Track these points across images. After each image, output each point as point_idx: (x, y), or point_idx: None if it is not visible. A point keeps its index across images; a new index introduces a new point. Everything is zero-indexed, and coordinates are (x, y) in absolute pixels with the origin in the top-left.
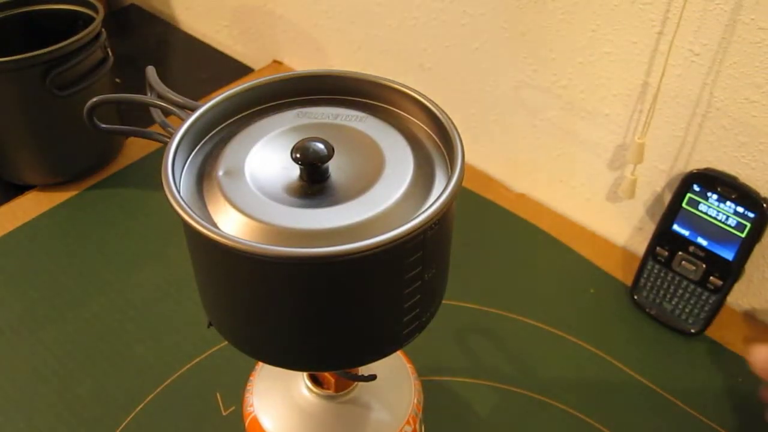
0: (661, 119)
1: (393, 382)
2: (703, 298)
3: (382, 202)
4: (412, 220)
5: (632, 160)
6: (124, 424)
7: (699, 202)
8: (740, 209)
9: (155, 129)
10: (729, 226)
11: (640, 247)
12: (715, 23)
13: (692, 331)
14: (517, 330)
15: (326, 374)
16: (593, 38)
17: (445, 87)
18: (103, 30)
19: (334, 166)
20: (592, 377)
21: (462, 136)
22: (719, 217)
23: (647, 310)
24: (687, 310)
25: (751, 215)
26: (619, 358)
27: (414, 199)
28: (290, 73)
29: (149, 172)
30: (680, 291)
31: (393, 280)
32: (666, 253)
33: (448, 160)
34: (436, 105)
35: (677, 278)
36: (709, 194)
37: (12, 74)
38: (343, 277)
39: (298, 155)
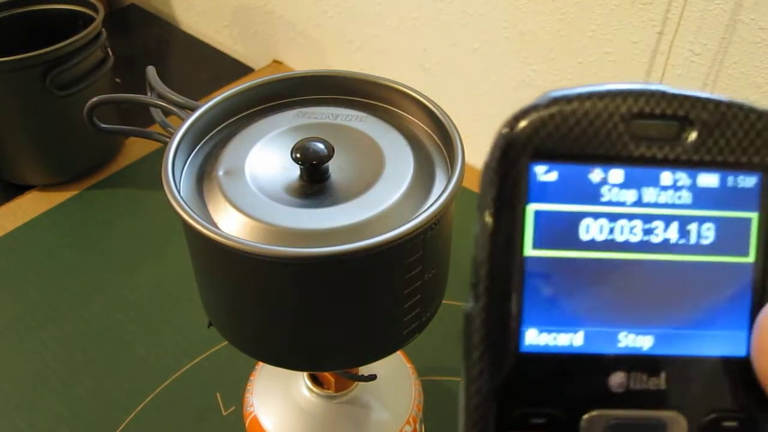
0: None
1: (393, 382)
2: None
3: (382, 202)
4: (412, 220)
5: None
6: (124, 424)
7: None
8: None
9: (155, 129)
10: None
11: None
12: (715, 23)
13: None
14: None
15: (326, 374)
16: (593, 38)
17: (445, 87)
18: (103, 30)
19: (334, 166)
20: None
21: (462, 136)
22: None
23: None
24: None
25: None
26: None
27: (414, 199)
28: (290, 73)
29: (149, 172)
30: None
31: (393, 280)
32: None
33: (448, 160)
34: (436, 105)
35: None
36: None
37: (12, 74)
38: (343, 277)
39: (298, 155)
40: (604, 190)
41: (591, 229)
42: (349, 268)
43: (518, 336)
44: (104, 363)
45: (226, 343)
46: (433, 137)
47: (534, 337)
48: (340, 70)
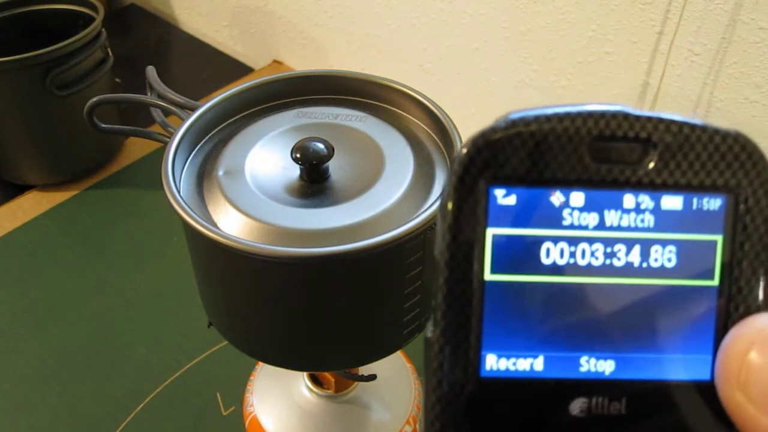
0: None
1: (393, 382)
2: None
3: (382, 202)
4: (412, 220)
5: None
6: (124, 424)
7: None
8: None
9: (155, 129)
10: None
11: None
12: (715, 23)
13: None
14: None
15: (326, 374)
16: (593, 38)
17: (445, 87)
18: (103, 30)
19: (334, 166)
20: None
21: (462, 136)
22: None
23: None
24: None
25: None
26: None
27: (414, 199)
28: (290, 73)
29: (149, 172)
30: None
31: (393, 280)
32: None
33: (448, 160)
34: (436, 105)
35: None
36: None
37: (12, 74)
38: (343, 277)
39: (298, 155)
40: (565, 213)
41: (551, 253)
42: (349, 268)
43: (478, 361)
44: (104, 363)
45: (226, 343)
46: (433, 137)
47: (494, 363)
48: (340, 70)
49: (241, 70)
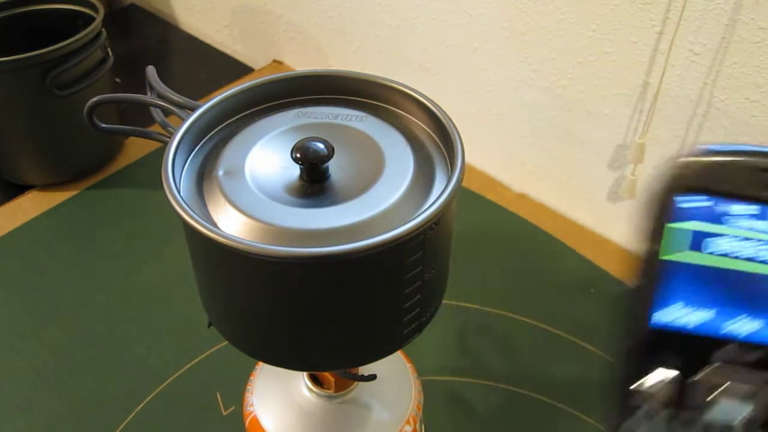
0: (661, 119)
1: (393, 382)
2: None
3: (382, 202)
4: (412, 220)
5: (633, 160)
6: (124, 424)
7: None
8: None
9: (155, 129)
10: None
11: None
12: (715, 23)
13: None
14: (517, 330)
15: (326, 374)
16: (593, 38)
17: (445, 87)
18: (103, 30)
19: (334, 166)
20: (593, 377)
21: (462, 136)
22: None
23: None
24: None
25: None
26: None
27: (414, 199)
28: (290, 73)
29: (149, 172)
30: None
31: (393, 280)
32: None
33: (448, 160)
34: (436, 105)
35: None
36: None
37: (12, 74)
38: (342, 277)
39: (298, 155)
40: (735, 217)
41: (720, 244)
42: (349, 268)
43: (653, 313)
44: (104, 363)
45: (226, 343)
46: (433, 137)
47: (666, 316)
48: (340, 70)
49: (241, 70)
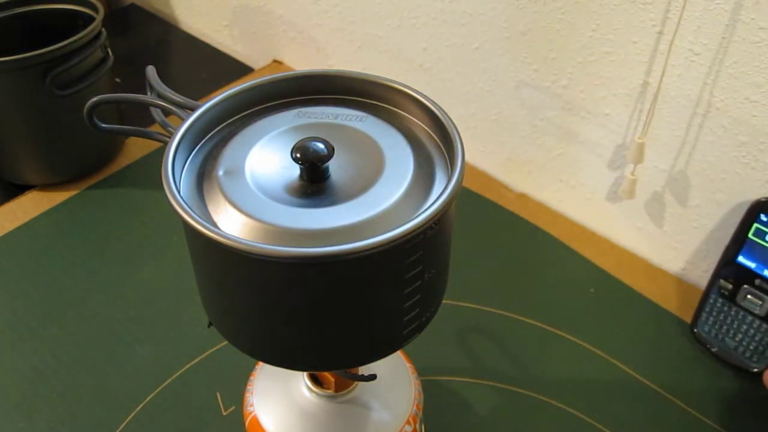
0: (661, 119)
1: (393, 382)
2: None
3: (382, 202)
4: (412, 220)
5: (632, 160)
6: (124, 424)
7: (767, 233)
8: None
9: (155, 129)
10: None
11: (640, 248)
12: (715, 23)
13: (755, 370)
14: (517, 330)
15: (326, 374)
16: (593, 38)
17: (445, 87)
18: (103, 30)
19: (334, 166)
20: (592, 377)
21: (462, 136)
22: None
23: (709, 346)
24: (751, 348)
25: None
26: (619, 357)
27: (414, 199)
28: (290, 73)
29: (149, 172)
30: (744, 327)
31: (393, 280)
32: (730, 287)
33: (448, 160)
34: (437, 105)
35: (741, 313)
36: None
37: (12, 74)
38: (342, 277)
39: (298, 155)
40: None
41: None
42: (349, 268)
43: (737, 257)
44: (104, 363)
45: (226, 343)
46: (433, 137)
47: (743, 260)
48: (340, 70)
49: (241, 70)
